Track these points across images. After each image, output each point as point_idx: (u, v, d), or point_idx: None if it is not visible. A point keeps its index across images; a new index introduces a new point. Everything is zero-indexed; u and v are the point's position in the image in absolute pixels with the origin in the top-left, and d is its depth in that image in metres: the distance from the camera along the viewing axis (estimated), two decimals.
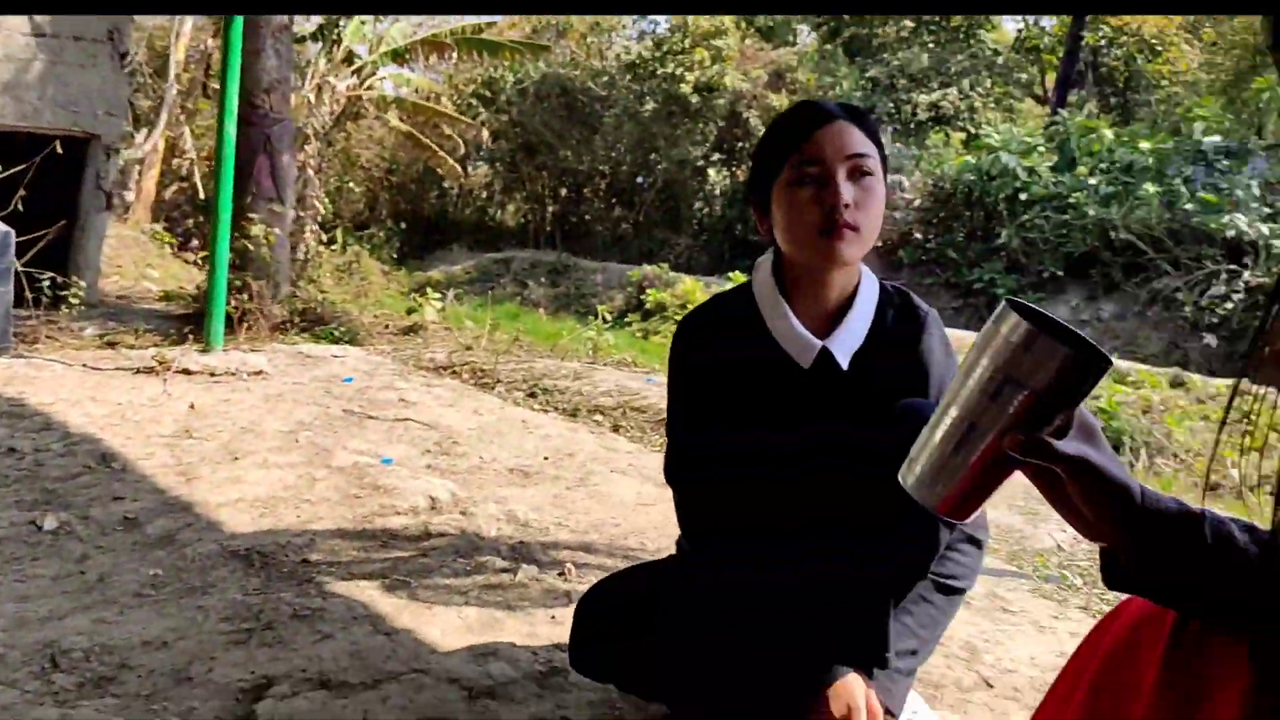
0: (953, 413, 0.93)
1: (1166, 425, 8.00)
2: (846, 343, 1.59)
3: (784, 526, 1.59)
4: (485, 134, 16.60)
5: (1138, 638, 0.99)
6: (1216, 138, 12.96)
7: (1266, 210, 11.62)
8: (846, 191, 1.49)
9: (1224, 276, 11.25)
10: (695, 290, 11.44)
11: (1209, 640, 0.92)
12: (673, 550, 1.85)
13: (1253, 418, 0.92)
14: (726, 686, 1.55)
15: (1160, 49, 17.94)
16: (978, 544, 1.69)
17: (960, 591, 1.65)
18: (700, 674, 1.57)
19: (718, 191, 17.93)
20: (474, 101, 18.69)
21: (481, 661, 1.99)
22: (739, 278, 11.18)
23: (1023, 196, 13.32)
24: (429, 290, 9.09)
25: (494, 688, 1.89)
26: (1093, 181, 13.00)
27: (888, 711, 1.51)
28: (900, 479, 0.99)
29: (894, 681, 1.55)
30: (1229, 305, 11.01)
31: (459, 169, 15.22)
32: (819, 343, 1.58)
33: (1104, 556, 0.96)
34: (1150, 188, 12.28)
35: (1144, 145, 13.12)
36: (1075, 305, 12.67)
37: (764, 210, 1.60)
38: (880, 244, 11.45)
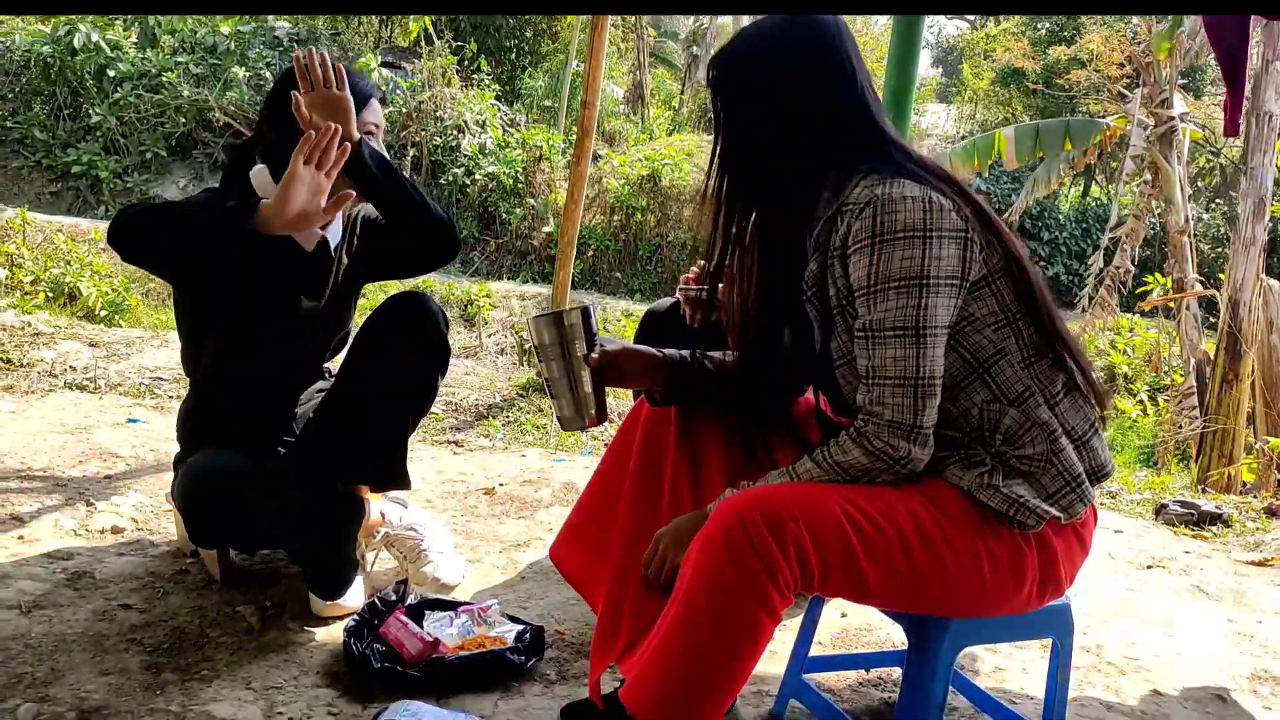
0: (559, 377, 1.72)
1: None
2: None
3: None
4: None
5: (659, 419, 1.78)
6: (286, 24, 14.10)
7: None
8: None
9: None
10: None
11: (699, 424, 1.77)
12: None
13: None
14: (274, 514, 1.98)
15: None
16: None
17: None
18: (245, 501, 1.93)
19: None
20: None
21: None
22: None
23: (111, 73, 12.86)
24: None
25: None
26: (182, 60, 13.16)
27: None
28: (564, 428, 1.76)
29: None
30: None
31: None
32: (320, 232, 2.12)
33: (645, 396, 1.76)
34: (238, 70, 12.96)
35: (224, 29, 13.64)
36: (184, 186, 12.92)
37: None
38: None
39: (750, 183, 1.58)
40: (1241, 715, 2.10)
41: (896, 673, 2.09)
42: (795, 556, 1.35)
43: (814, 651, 2.14)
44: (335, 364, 2.27)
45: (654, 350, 1.76)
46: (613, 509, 1.78)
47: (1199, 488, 6.04)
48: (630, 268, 13.39)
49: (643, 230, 13.43)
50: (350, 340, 2.20)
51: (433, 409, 4.14)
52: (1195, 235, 10.92)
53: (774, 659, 2.03)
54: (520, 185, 13.13)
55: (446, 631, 1.95)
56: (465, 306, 10.92)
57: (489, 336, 10.33)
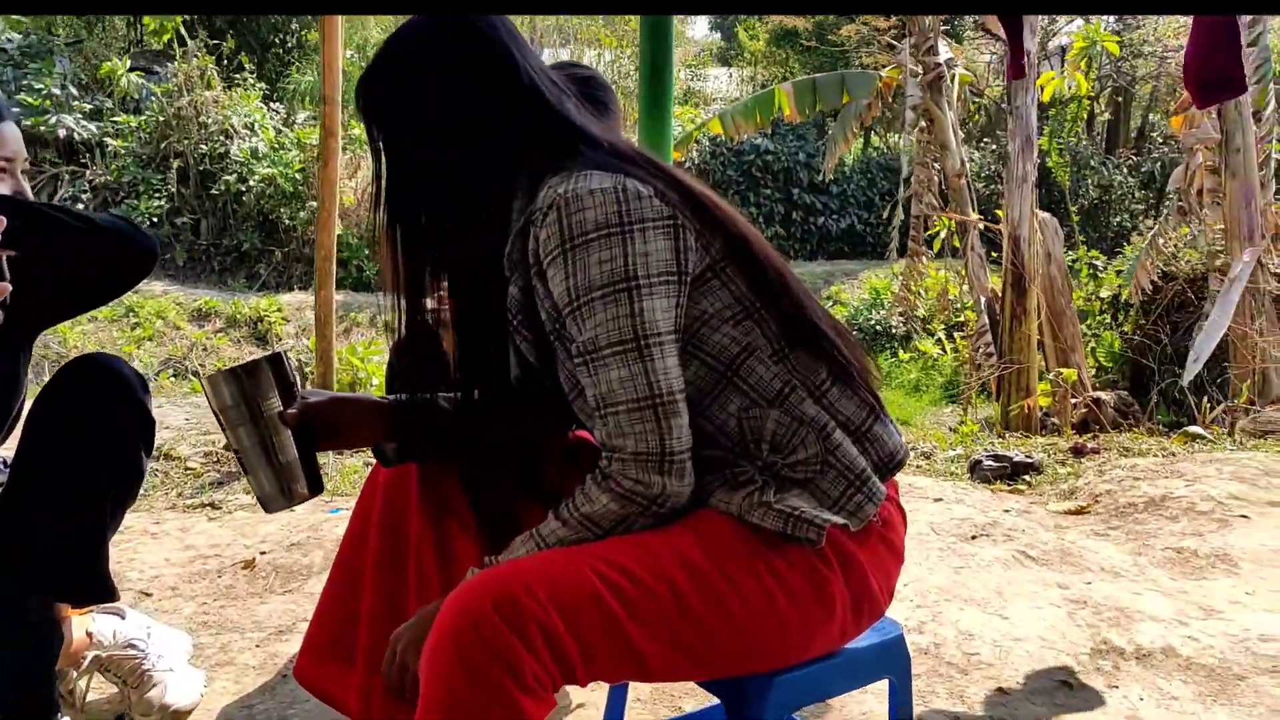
0: (249, 446, 1.36)
1: None
2: None
3: None
4: None
5: (397, 483, 1.49)
6: (16, 36, 12.76)
7: (89, 108, 12.10)
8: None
9: (67, 179, 11.52)
10: None
11: (443, 483, 1.47)
12: None
13: None
14: None
15: None
16: None
17: None
18: None
19: None
20: None
21: None
22: None
23: None
24: None
25: None
26: None
27: None
28: (267, 509, 1.41)
29: None
30: (80, 204, 11.35)
31: None
32: None
33: (375, 450, 1.46)
34: None
35: None
36: None
37: None
38: None
39: (421, 217, 1.33)
40: (1090, 699, 2.01)
41: None
42: (543, 644, 1.07)
43: (635, 713, 1.91)
44: (10, 451, 1.84)
45: (372, 397, 1.45)
46: (357, 602, 1.46)
47: (1003, 426, 6.21)
48: None
49: None
50: (23, 421, 1.78)
51: (191, 465, 3.67)
52: (970, 176, 11.39)
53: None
54: (300, 188, 12.35)
55: None
56: (255, 324, 10.21)
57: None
